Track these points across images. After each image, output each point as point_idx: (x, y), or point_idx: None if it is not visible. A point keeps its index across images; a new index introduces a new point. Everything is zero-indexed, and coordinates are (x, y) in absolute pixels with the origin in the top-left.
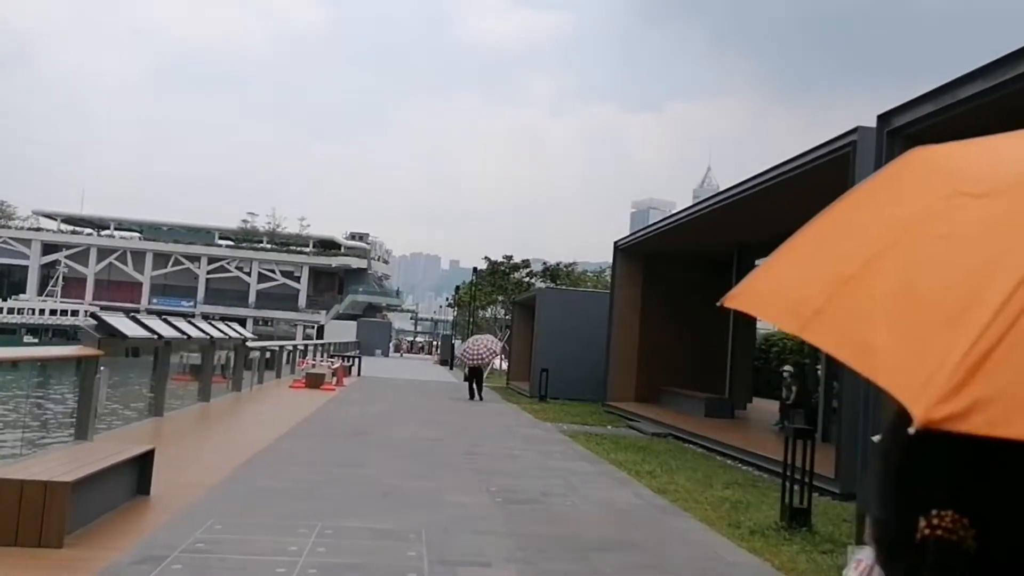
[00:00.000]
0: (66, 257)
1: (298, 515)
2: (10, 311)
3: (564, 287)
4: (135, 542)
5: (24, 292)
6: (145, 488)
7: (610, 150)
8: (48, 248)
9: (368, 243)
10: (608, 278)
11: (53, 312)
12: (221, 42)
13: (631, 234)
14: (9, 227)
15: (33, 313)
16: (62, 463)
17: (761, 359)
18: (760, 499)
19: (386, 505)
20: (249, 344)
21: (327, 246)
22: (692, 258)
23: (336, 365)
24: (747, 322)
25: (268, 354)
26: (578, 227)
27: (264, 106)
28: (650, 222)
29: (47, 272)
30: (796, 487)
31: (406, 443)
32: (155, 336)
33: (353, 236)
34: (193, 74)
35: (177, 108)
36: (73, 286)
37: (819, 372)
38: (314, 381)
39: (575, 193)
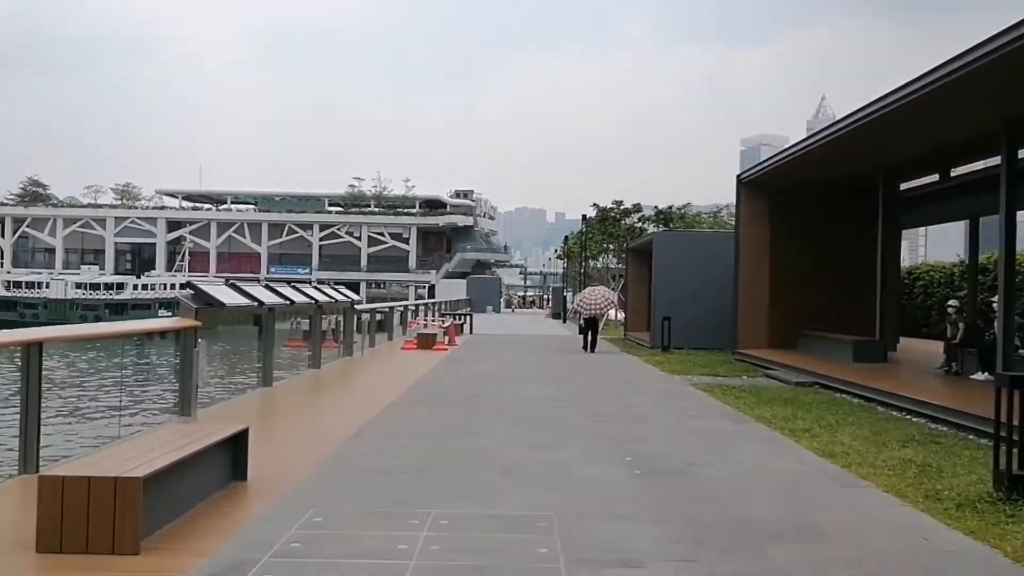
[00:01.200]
0: (189, 233)
1: (408, 500)
2: (144, 287)
3: (680, 229)
4: (223, 543)
5: (154, 268)
6: (241, 473)
7: (715, 89)
8: (172, 225)
9: (473, 200)
10: (725, 218)
11: (182, 286)
12: (324, 15)
13: (755, 166)
14: (136, 207)
15: (165, 288)
16: (141, 452)
17: (904, 295)
18: (951, 461)
19: (508, 484)
20: (358, 307)
21: (433, 206)
22: (827, 187)
23: (447, 324)
24: (893, 254)
25: (379, 316)
26: (685, 171)
27: (366, 74)
28: (762, 158)
29: (173, 248)
30: (1015, 449)
31: (525, 406)
32: (255, 303)
33: (458, 194)
34: (297, 47)
35: (284, 81)
36: (198, 260)
37: (994, 304)
38: (426, 341)
39: (680, 136)
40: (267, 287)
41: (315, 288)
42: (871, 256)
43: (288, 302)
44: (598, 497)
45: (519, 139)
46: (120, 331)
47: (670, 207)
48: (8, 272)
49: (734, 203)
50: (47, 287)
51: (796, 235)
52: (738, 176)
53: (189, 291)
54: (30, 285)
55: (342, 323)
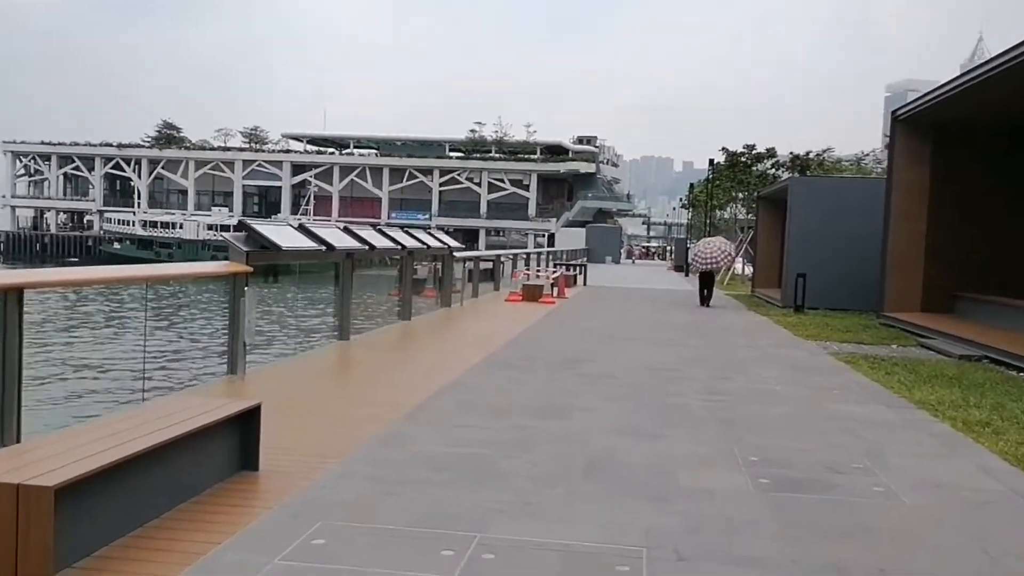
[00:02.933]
0: (313, 176)
1: (451, 513)
2: None
3: (819, 175)
4: None
5: (279, 212)
6: (251, 461)
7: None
8: (297, 169)
9: (596, 147)
10: (870, 164)
11: (235, 228)
12: None
13: (918, 98)
14: (263, 151)
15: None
16: (94, 439)
17: None
18: None
19: (589, 491)
20: (458, 255)
21: (554, 152)
22: (1005, 125)
23: (556, 275)
24: None
25: (487, 264)
26: (825, 119)
27: (489, 19)
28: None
29: (298, 192)
30: None
31: (629, 375)
32: (323, 248)
33: (580, 140)
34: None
35: (410, 28)
36: (321, 204)
37: None
38: (532, 293)
39: (820, 82)
40: (346, 230)
41: (406, 233)
42: None
43: (367, 247)
44: (708, 519)
45: (647, 87)
46: (157, 274)
47: (808, 153)
48: (145, 212)
49: (878, 150)
50: (181, 228)
51: (961, 181)
52: (894, 112)
53: (241, 233)
54: (165, 225)
55: (440, 272)
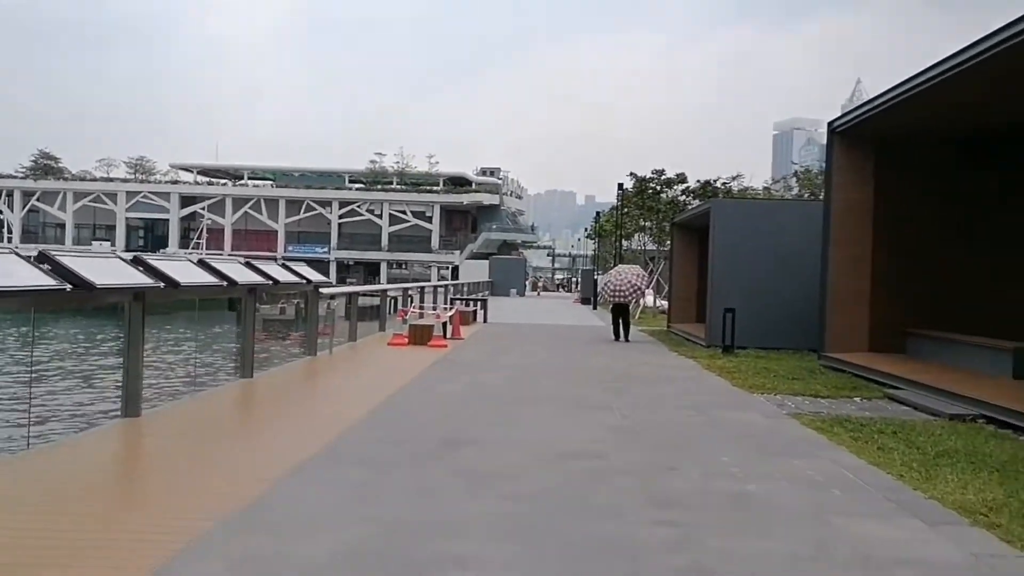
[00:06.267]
0: (203, 208)
1: None
2: None
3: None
4: None
5: (167, 246)
6: None
7: (746, 74)
8: (186, 200)
9: (500, 178)
10: (779, 195)
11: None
12: None
13: (857, 108)
14: (150, 182)
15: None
16: None
17: None
18: None
19: None
20: (325, 290)
21: (457, 183)
22: (957, 135)
23: (451, 312)
24: None
25: (381, 299)
26: (717, 156)
27: (393, 52)
28: (794, 143)
29: (188, 225)
30: None
31: (533, 471)
32: (126, 287)
33: (484, 172)
34: (321, 25)
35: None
36: (213, 237)
37: None
38: (420, 335)
39: (712, 121)
40: (135, 260)
41: (248, 266)
42: None
43: (192, 284)
44: None
45: (549, 122)
46: None
47: (717, 179)
48: (15, 248)
49: (781, 181)
50: None
51: (911, 201)
52: (831, 124)
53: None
54: None
55: (306, 312)
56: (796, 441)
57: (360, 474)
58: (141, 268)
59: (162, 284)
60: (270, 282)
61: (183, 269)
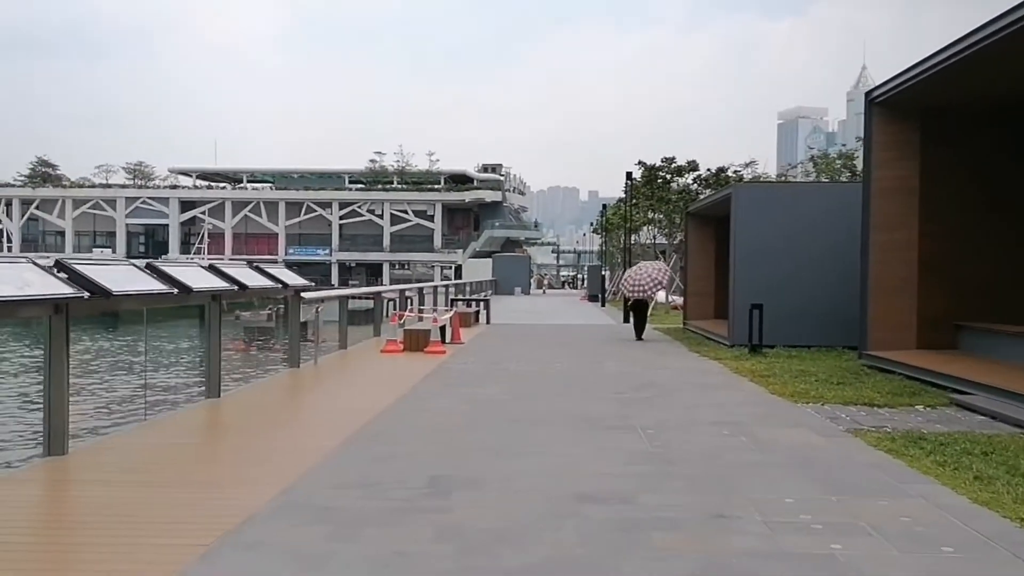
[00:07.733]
0: (203, 213)
1: None
2: None
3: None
4: None
5: (168, 252)
6: None
7: (750, 62)
8: (185, 205)
9: (502, 174)
10: (799, 177)
11: None
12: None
13: (898, 75)
14: (149, 187)
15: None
16: None
17: None
18: None
19: None
20: (307, 295)
21: (459, 181)
22: (1014, 105)
23: (449, 314)
24: None
25: (375, 303)
26: (722, 147)
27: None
28: (799, 133)
29: (188, 230)
30: None
31: (543, 528)
32: (47, 298)
33: (485, 168)
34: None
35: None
36: (213, 241)
37: None
38: (415, 341)
39: (717, 112)
40: (150, 267)
41: (212, 271)
42: None
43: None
44: None
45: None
46: None
47: (728, 166)
48: (16, 257)
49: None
50: None
51: (962, 179)
52: (868, 94)
53: None
54: None
55: (286, 318)
56: (869, 469)
57: (314, 537)
58: (66, 275)
59: (86, 294)
60: (235, 287)
61: (124, 275)
